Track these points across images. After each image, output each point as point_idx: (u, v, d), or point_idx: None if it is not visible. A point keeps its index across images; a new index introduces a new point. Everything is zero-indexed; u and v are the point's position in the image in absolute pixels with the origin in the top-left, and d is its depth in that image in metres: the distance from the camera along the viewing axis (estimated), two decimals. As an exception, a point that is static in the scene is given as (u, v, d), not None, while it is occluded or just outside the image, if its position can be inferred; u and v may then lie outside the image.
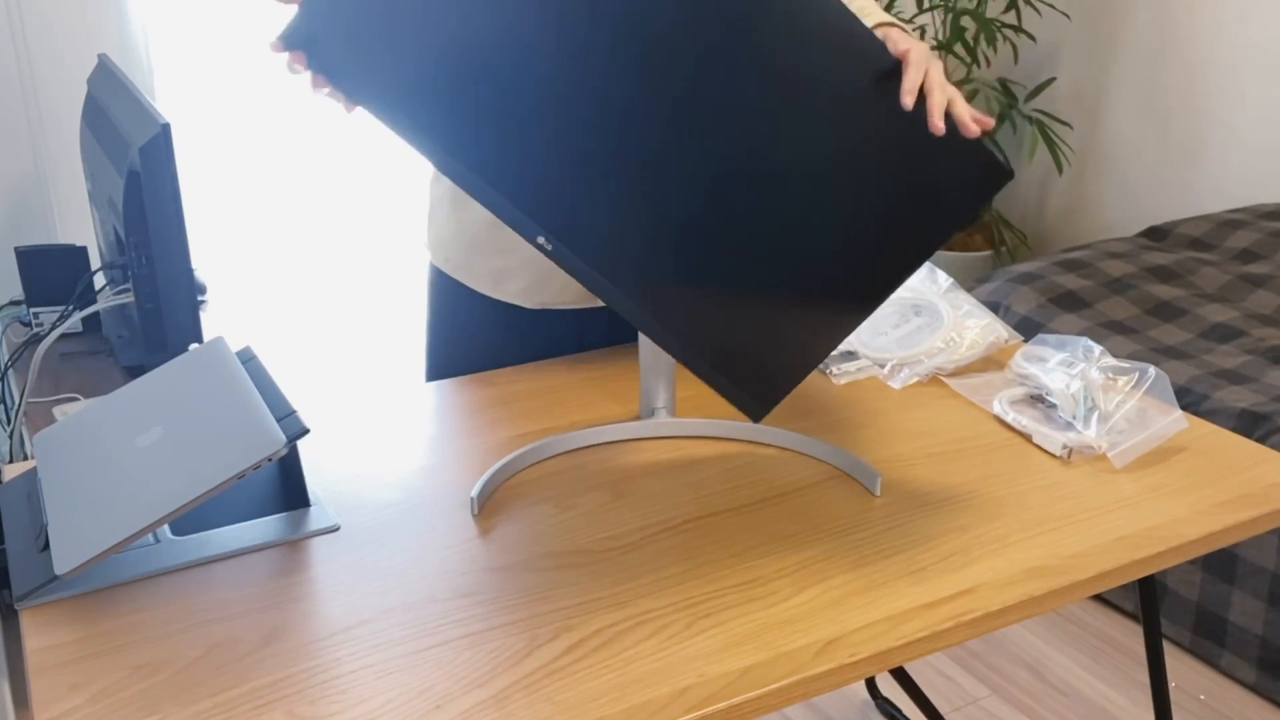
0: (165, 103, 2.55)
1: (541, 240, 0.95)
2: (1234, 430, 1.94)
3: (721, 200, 0.97)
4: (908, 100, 0.96)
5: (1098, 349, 1.25)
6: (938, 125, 0.96)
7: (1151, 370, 1.22)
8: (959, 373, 1.32)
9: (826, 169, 0.98)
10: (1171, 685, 1.98)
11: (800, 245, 0.99)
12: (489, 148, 0.94)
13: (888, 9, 3.23)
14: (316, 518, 1.00)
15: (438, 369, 1.42)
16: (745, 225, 0.98)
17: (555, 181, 0.95)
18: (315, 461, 1.11)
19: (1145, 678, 2.00)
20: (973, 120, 0.98)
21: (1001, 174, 1.01)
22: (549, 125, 0.94)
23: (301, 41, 0.89)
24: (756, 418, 1.02)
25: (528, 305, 1.34)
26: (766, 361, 1.01)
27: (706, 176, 0.96)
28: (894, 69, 0.98)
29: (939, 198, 1.01)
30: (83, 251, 1.94)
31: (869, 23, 1.07)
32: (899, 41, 1.00)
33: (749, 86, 0.95)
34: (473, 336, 1.38)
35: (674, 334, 0.99)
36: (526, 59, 0.93)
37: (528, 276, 1.32)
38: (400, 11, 0.90)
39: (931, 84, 0.97)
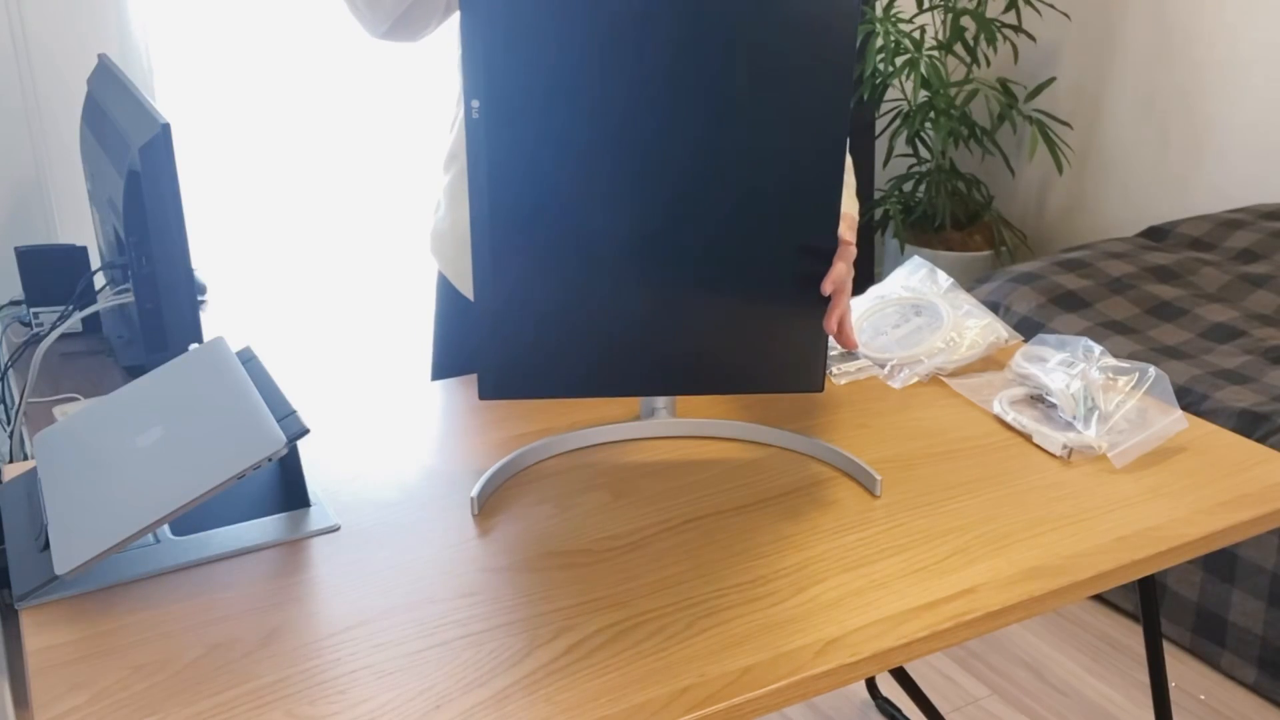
0: (165, 103, 2.55)
1: (475, 105, 0.95)
2: (1234, 430, 1.94)
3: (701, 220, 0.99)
4: (826, 288, 1.02)
5: (1098, 349, 1.25)
6: (831, 326, 1.03)
7: (1151, 370, 1.22)
8: (959, 373, 1.32)
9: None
10: (1171, 685, 1.98)
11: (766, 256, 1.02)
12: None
13: (887, 8, 3.23)
14: (316, 518, 1.00)
15: (442, 369, 1.42)
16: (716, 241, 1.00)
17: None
18: (315, 461, 1.11)
19: (1145, 678, 2.00)
20: (845, 340, 1.06)
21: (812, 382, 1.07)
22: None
23: None
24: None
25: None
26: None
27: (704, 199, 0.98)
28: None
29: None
30: (83, 251, 1.94)
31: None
32: (844, 234, 1.04)
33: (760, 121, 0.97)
34: (475, 336, 1.38)
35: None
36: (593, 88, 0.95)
37: None
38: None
39: (843, 294, 1.03)
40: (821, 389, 1.07)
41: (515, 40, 0.91)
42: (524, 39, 0.91)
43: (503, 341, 1.00)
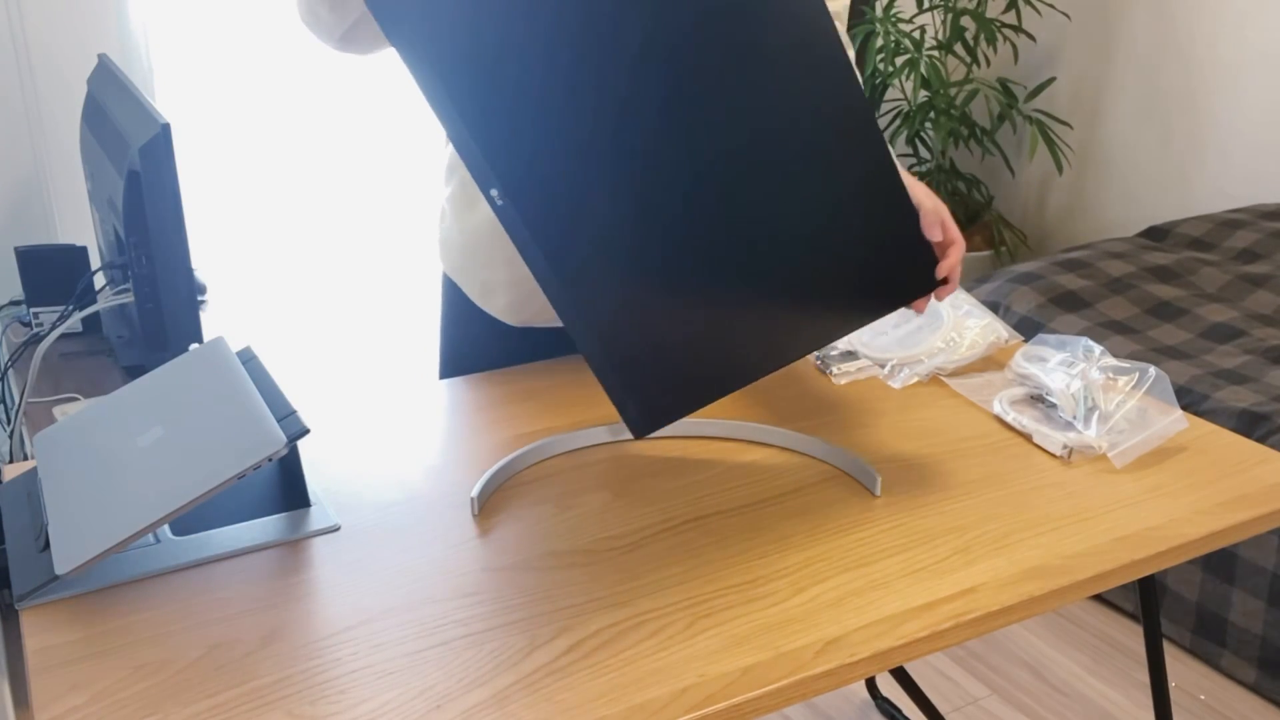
0: (165, 103, 2.55)
1: (494, 193, 0.90)
2: (1234, 430, 1.94)
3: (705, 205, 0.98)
4: (941, 273, 1.10)
5: (1098, 349, 1.25)
6: (921, 308, 1.11)
7: (1152, 370, 1.22)
8: (959, 373, 1.32)
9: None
10: (1171, 685, 1.98)
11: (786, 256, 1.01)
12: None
13: (887, 9, 3.23)
14: (316, 518, 1.00)
15: (450, 371, 1.42)
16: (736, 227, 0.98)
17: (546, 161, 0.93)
18: (315, 461, 1.11)
19: (1145, 678, 2.00)
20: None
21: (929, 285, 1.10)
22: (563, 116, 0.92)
23: None
24: (638, 434, 0.98)
25: (512, 322, 1.34)
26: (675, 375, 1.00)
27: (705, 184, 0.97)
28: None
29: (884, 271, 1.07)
30: (83, 251, 1.94)
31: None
32: (941, 212, 1.10)
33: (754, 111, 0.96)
34: (481, 341, 1.38)
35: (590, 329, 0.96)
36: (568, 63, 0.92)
37: (512, 294, 1.32)
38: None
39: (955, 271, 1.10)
40: (929, 289, 1.10)
41: (471, 56, 0.84)
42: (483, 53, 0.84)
43: (625, 372, 0.94)
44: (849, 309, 1.05)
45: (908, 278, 1.08)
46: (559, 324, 1.36)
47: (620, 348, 0.94)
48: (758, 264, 0.98)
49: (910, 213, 1.07)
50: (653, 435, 1.16)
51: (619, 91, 0.91)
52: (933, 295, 1.11)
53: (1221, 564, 1.94)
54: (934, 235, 1.08)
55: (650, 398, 0.95)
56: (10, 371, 1.88)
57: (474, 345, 1.39)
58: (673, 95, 0.93)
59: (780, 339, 1.01)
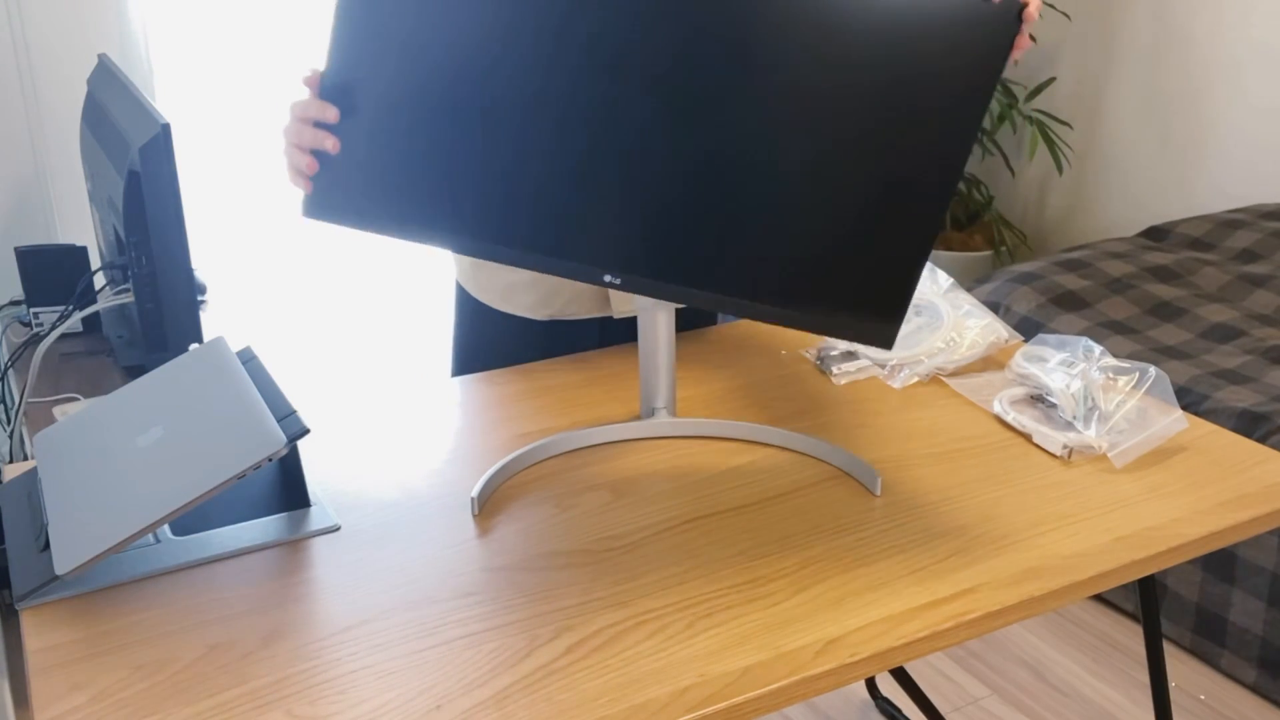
0: (165, 103, 2.55)
1: (609, 279, 1.00)
2: (1234, 430, 1.94)
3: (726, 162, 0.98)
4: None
5: (1098, 349, 1.25)
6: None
7: (1152, 370, 1.22)
8: (959, 373, 1.32)
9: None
10: (1171, 685, 1.98)
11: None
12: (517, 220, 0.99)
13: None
14: (316, 518, 1.00)
15: (463, 373, 1.42)
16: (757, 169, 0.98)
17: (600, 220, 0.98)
18: (315, 461, 1.11)
19: (1145, 678, 2.00)
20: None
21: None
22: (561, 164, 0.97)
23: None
24: (889, 343, 1.01)
25: (539, 317, 1.34)
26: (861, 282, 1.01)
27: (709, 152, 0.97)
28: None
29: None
30: (83, 251, 1.94)
31: None
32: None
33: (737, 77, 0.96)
34: (496, 345, 1.38)
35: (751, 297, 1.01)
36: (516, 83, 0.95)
37: (537, 291, 1.32)
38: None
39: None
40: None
41: None
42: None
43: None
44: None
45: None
46: (584, 315, 1.36)
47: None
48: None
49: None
50: (652, 435, 1.16)
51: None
52: (1012, 53, 0.97)
53: (1221, 564, 1.94)
54: None
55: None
56: (10, 371, 1.88)
57: (489, 348, 1.39)
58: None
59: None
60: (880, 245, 0.99)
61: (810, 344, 1.40)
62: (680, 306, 1.42)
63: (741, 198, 0.98)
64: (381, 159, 0.98)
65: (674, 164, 0.97)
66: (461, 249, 1.00)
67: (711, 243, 1.00)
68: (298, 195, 1.01)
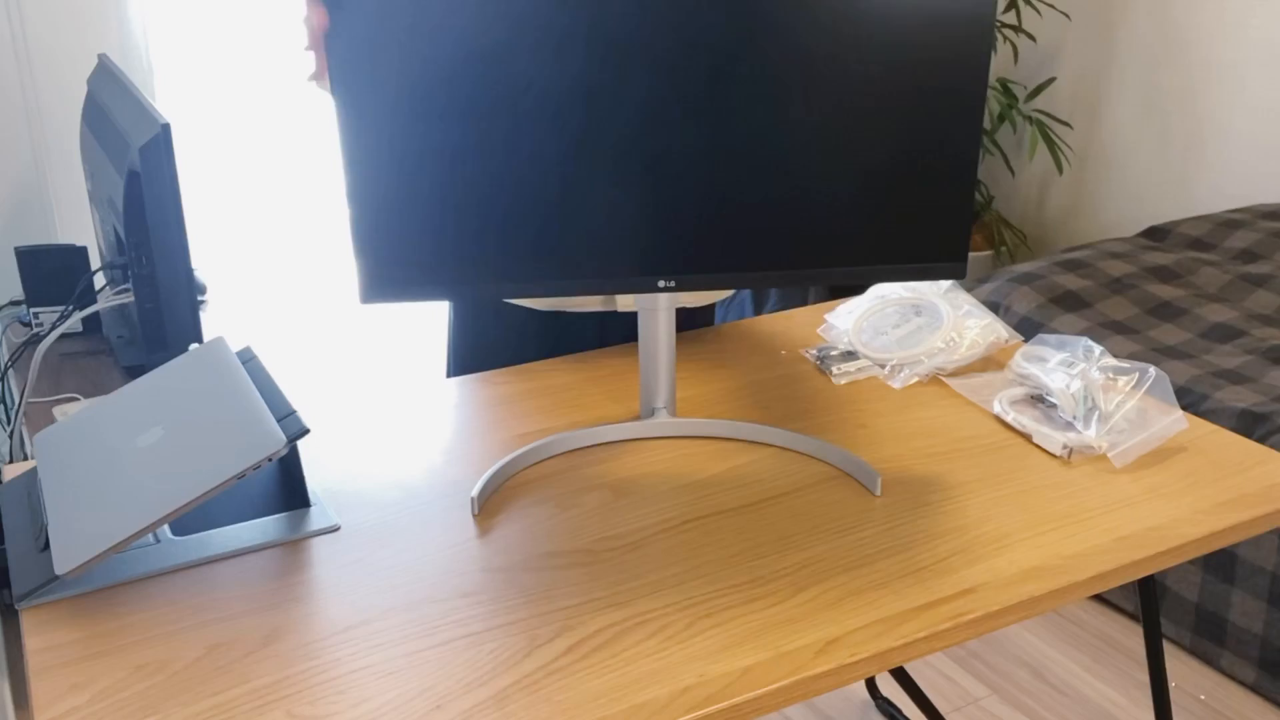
0: (165, 103, 2.55)
1: (662, 284, 1.03)
2: (1234, 430, 1.94)
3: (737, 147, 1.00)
4: None
5: (1098, 349, 1.25)
6: None
7: (1151, 370, 1.22)
8: (959, 373, 1.32)
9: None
10: (1171, 685, 1.98)
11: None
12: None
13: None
14: (316, 518, 1.00)
15: (460, 372, 1.42)
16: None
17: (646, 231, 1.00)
18: (315, 461, 1.11)
19: (1145, 678, 2.00)
20: None
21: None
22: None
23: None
24: (962, 274, 1.08)
25: (544, 307, 1.34)
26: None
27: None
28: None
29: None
30: (83, 251, 1.94)
31: None
32: None
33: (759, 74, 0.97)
34: (493, 344, 1.38)
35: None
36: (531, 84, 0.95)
37: None
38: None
39: None
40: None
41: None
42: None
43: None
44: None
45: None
46: (587, 309, 1.36)
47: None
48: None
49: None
50: (653, 435, 1.16)
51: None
52: None
53: (1221, 564, 1.94)
54: None
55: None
56: (10, 371, 1.88)
57: (486, 347, 1.39)
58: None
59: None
60: (924, 190, 1.04)
61: (810, 344, 1.40)
62: (680, 307, 1.42)
63: (782, 174, 1.01)
64: (418, 225, 0.98)
65: (710, 155, 0.99)
66: (517, 293, 1.01)
67: (764, 223, 1.02)
68: (348, 260, 1.02)
